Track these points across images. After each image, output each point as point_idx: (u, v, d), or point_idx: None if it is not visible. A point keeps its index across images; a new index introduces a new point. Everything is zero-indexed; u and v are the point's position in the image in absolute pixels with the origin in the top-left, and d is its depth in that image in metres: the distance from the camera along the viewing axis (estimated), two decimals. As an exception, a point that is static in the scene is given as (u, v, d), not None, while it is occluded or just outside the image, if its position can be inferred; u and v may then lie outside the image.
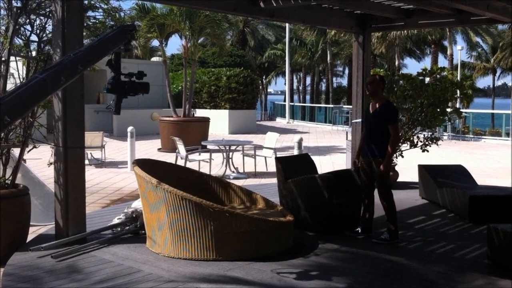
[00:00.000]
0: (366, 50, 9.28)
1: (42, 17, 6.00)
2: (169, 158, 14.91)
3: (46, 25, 6.01)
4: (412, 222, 6.92)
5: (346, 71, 48.00)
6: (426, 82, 9.12)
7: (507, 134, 20.82)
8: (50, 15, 5.76)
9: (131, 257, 5.30)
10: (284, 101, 44.31)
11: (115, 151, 16.09)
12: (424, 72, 9.30)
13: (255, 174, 11.91)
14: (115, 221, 6.41)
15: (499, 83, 53.38)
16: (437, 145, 9.48)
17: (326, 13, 8.53)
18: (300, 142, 10.14)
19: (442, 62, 40.75)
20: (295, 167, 6.89)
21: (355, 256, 5.54)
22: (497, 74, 47.32)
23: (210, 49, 32.85)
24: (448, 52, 30.99)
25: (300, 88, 50.76)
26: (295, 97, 48.15)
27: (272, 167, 12.38)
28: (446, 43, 35.79)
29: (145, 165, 5.90)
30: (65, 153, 5.64)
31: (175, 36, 31.80)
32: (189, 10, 15.18)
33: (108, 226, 6.24)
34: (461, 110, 9.39)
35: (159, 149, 17.00)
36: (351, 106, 29.21)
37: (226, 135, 21.51)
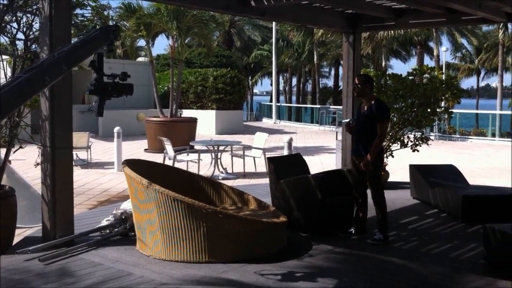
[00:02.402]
0: (356, 50, 9.21)
1: (29, 15, 5.85)
2: (156, 158, 14.74)
3: (33, 23, 5.86)
4: (405, 222, 6.86)
5: (332, 72, 48.14)
6: (416, 82, 9.08)
7: (493, 135, 20.94)
8: (37, 12, 5.60)
9: (121, 260, 5.17)
10: (270, 101, 44.27)
11: (101, 152, 15.90)
12: (414, 72, 9.26)
13: (244, 175, 11.80)
14: (104, 222, 6.27)
15: (482, 84, 53.82)
16: (428, 144, 9.46)
17: (317, 13, 8.46)
18: (290, 142, 10.07)
19: (428, 63, 40.99)
20: (287, 167, 6.80)
21: (350, 257, 5.46)
22: (481, 75, 47.77)
23: (196, 50, 32.68)
24: (435, 53, 31.14)
25: (287, 88, 50.75)
26: (281, 97, 48.14)
27: (261, 168, 12.30)
28: (431, 44, 35.99)
29: (135, 165, 5.77)
30: (53, 154, 5.49)
31: (161, 36, 31.61)
32: (176, 9, 15.05)
33: (96, 228, 6.10)
34: (451, 110, 9.36)
35: (145, 150, 16.84)
36: (338, 107, 29.16)
37: (213, 136, 21.38)
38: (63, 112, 5.55)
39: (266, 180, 11.20)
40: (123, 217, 6.20)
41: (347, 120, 9.37)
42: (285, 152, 10.07)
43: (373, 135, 5.92)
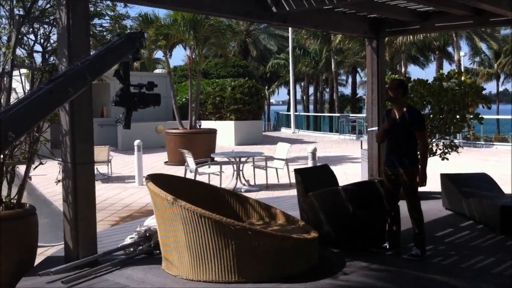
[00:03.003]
0: (380, 55, 8.93)
1: (46, 26, 5.67)
2: (176, 171, 14.56)
3: (51, 34, 5.68)
4: (441, 235, 6.53)
5: (349, 80, 47.72)
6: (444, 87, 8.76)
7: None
8: (55, 23, 5.43)
9: (147, 281, 4.93)
10: (287, 111, 43.91)
11: (121, 166, 15.77)
12: (441, 77, 8.96)
13: (267, 187, 11.55)
14: (127, 240, 6.04)
15: (500, 89, 53.01)
16: (458, 152, 9.13)
17: (339, 18, 8.20)
18: (314, 153, 9.81)
19: (447, 68, 40.55)
20: (314, 179, 6.53)
21: (388, 274, 5.16)
22: (501, 80, 47.03)
23: (213, 60, 32.55)
24: (455, 58, 30.63)
25: (304, 98, 50.43)
26: (299, 107, 47.86)
27: (284, 179, 12.03)
28: (450, 49, 35.48)
29: (158, 180, 5.54)
30: (74, 170, 5.29)
31: (178, 48, 31.60)
32: (193, 19, 14.91)
33: (120, 247, 5.87)
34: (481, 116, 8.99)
35: (165, 162, 16.70)
36: (357, 115, 28.67)
37: (233, 147, 21.18)
38: (83, 126, 5.35)
39: (290, 192, 10.96)
40: (147, 234, 5.97)
41: (374, 129, 9.13)
42: (309, 162, 9.80)
43: (407, 143, 5.66)
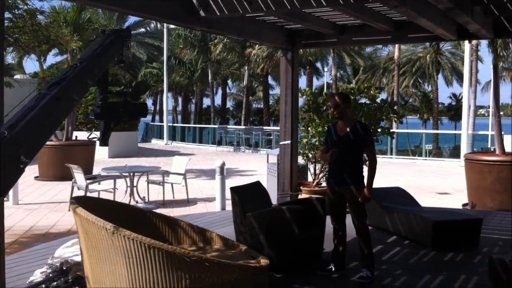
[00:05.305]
0: (294, 67, 8.70)
1: None
2: (52, 187, 13.29)
3: None
4: (375, 253, 6.29)
5: (220, 92, 47.86)
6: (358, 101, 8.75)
7: (391, 151, 21.57)
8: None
9: (80, 327, 4.09)
10: (152, 121, 42.69)
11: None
12: (352, 91, 8.94)
13: (164, 203, 10.78)
14: (37, 275, 5.11)
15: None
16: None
17: (260, 27, 7.83)
18: (222, 167, 9.27)
19: (315, 82, 42.36)
20: (250, 198, 6.01)
21: (348, 302, 4.81)
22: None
23: (80, 67, 30.60)
24: (333, 73, 31.90)
25: (177, 108, 49.59)
26: (169, 117, 46.93)
27: (180, 195, 11.35)
28: (318, 64, 36.95)
29: (85, 204, 4.68)
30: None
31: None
32: (76, 21, 13.66)
33: (31, 285, 4.90)
34: (392, 130, 9.10)
35: (36, 177, 15.14)
36: (236, 127, 28.43)
37: (106, 160, 19.91)
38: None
39: (190, 209, 10.32)
40: (64, 268, 5.06)
41: (286, 142, 8.85)
42: (217, 177, 9.25)
43: (355, 160, 5.40)
